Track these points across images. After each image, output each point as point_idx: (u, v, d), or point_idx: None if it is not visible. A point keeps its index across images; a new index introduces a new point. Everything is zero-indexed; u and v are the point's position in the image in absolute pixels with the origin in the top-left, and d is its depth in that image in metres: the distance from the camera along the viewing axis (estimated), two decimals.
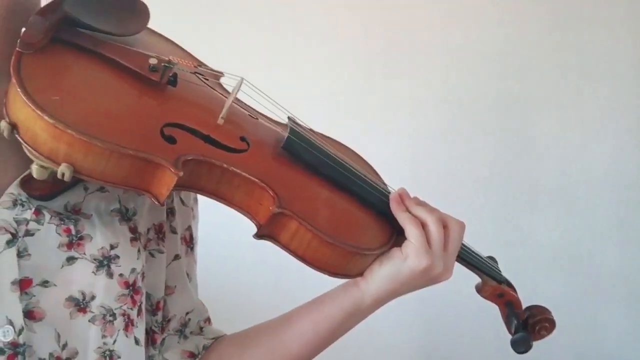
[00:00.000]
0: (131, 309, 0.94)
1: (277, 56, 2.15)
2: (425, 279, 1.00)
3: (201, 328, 1.09)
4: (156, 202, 0.86)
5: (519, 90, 2.18)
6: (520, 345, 1.12)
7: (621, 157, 2.20)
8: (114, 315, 0.92)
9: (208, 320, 1.11)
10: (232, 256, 2.17)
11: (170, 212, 1.03)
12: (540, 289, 2.20)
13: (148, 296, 1.02)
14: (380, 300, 1.01)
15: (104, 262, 0.91)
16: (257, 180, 0.91)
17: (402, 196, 1.03)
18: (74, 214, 0.91)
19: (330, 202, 1.00)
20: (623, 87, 2.18)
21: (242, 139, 0.95)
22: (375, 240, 0.99)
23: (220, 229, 1.93)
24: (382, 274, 0.99)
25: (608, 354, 2.25)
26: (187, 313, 1.08)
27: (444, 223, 1.01)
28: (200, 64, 1.02)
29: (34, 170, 0.82)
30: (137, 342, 0.96)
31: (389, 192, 1.04)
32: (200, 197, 1.09)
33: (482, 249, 1.14)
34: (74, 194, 0.92)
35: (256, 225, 0.92)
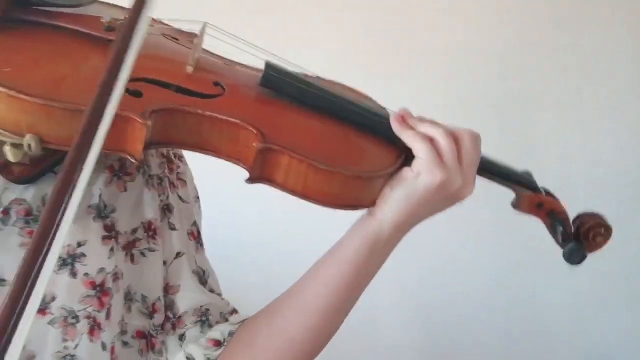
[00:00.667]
0: (98, 311, 0.89)
1: (277, 56, 2.15)
2: (445, 195, 0.93)
3: (227, 319, 1.03)
4: (134, 161, 0.83)
5: (519, 90, 2.18)
6: (574, 255, 1.03)
7: (621, 157, 2.20)
8: (76, 317, 0.88)
9: (235, 311, 1.05)
10: (235, 255, 2.17)
11: (167, 209, 1.00)
12: (541, 290, 2.20)
13: (144, 298, 0.98)
14: (399, 225, 0.94)
15: (68, 261, 0.87)
16: (237, 121, 0.87)
17: (405, 116, 0.96)
18: None
19: (324, 131, 0.95)
20: (623, 87, 2.18)
21: (217, 84, 0.92)
22: (379, 163, 0.93)
23: (221, 229, 1.93)
24: (395, 197, 0.92)
25: (608, 354, 2.25)
26: (201, 306, 1.01)
27: (455, 136, 0.94)
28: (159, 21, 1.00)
29: (8, 152, 0.81)
30: (104, 347, 0.91)
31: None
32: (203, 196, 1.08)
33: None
34: (49, 187, 0.88)
35: (247, 169, 0.88)
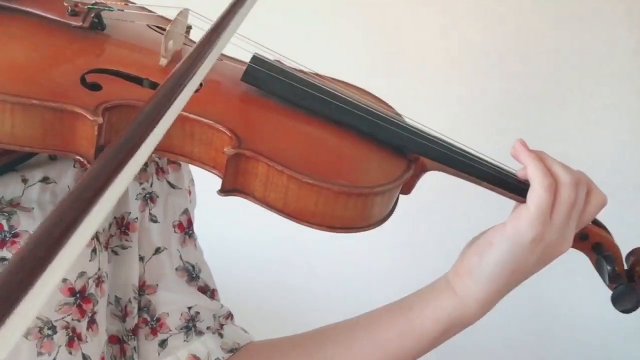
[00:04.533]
0: (78, 320, 0.81)
1: (277, 56, 2.15)
2: (538, 254, 0.80)
3: (221, 325, 0.95)
4: (87, 163, 0.74)
5: (520, 90, 2.18)
6: (624, 300, 0.86)
7: (622, 157, 2.19)
8: (53, 328, 0.80)
9: (230, 316, 0.96)
10: (241, 256, 2.17)
11: (150, 198, 0.91)
12: (541, 290, 2.20)
13: (117, 300, 0.89)
14: (487, 304, 0.82)
15: None
16: (210, 121, 0.77)
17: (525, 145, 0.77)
18: (9, 206, 0.79)
19: (315, 137, 0.84)
20: (624, 87, 2.18)
21: None
22: (379, 178, 0.81)
23: (225, 229, 1.93)
24: (484, 265, 0.80)
25: (609, 354, 2.24)
26: (189, 308, 0.92)
27: (578, 188, 0.78)
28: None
29: None
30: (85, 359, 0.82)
31: (403, 122, 0.88)
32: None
33: None
34: (9, 187, 0.80)
35: (221, 178, 0.78)
